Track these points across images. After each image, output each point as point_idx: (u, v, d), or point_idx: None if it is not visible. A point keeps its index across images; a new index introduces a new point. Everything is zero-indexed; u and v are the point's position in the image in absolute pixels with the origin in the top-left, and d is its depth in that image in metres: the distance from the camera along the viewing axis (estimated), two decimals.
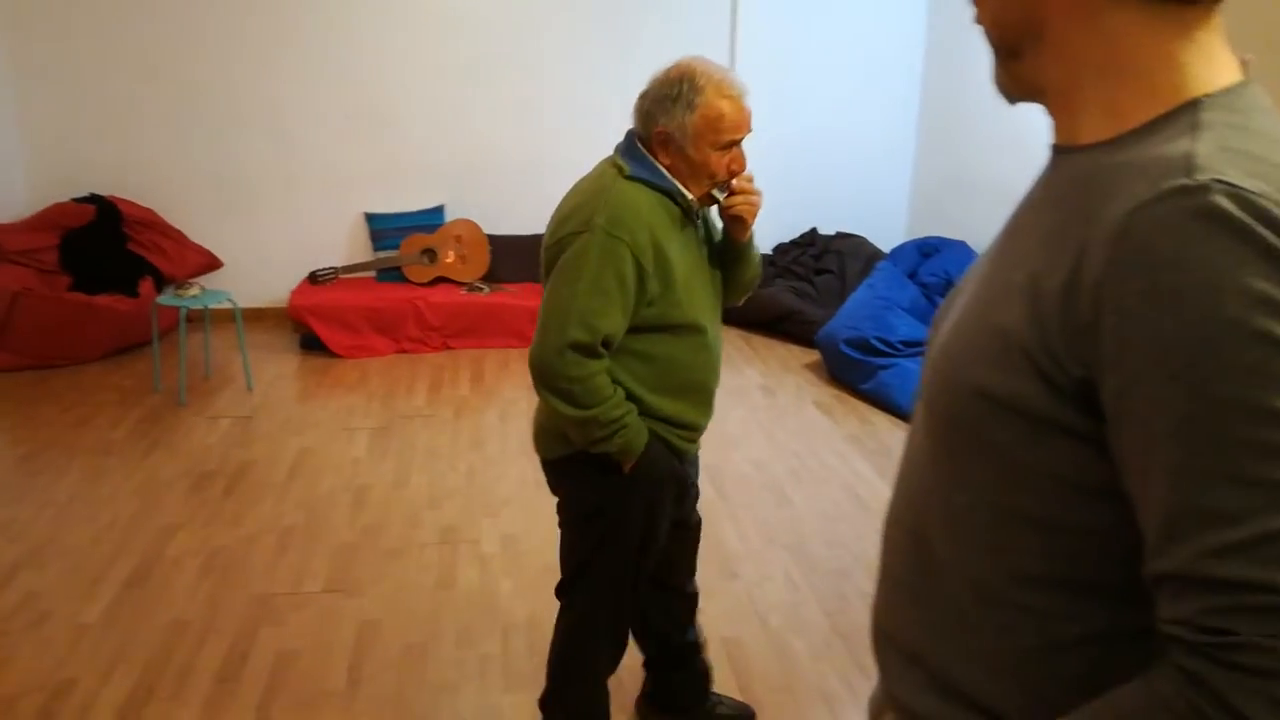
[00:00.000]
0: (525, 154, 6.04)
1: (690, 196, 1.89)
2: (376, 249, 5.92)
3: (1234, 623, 0.63)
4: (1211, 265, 0.63)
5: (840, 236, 6.24)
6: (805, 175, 6.32)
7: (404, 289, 5.63)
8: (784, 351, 5.50)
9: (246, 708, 2.44)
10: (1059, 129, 0.82)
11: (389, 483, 3.73)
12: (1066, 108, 0.80)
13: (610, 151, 1.98)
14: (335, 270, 5.75)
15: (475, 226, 5.82)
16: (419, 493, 3.65)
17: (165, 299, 4.68)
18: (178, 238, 5.78)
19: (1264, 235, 0.63)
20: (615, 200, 1.81)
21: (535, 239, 5.99)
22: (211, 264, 5.83)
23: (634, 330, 1.85)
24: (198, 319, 5.48)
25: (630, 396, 1.87)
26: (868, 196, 6.46)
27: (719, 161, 1.85)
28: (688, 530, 2.26)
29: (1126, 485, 0.70)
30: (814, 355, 5.30)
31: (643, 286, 1.80)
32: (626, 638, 2.22)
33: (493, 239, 5.87)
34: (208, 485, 3.70)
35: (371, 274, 5.85)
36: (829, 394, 4.79)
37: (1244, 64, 0.77)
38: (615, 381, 1.85)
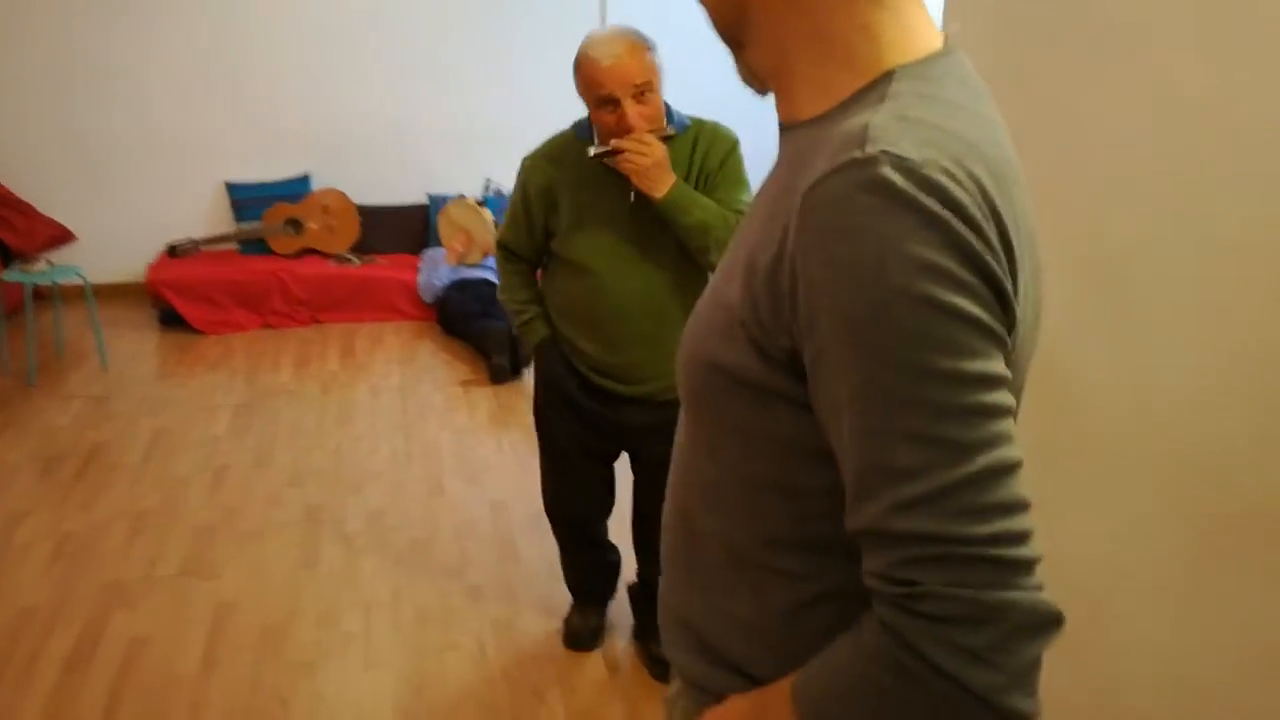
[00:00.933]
0: (394, 121, 5.92)
1: (591, 150, 2.07)
2: (239, 220, 5.74)
3: (917, 573, 0.67)
4: (878, 235, 0.66)
5: None
6: None
7: (268, 261, 5.49)
8: None
9: (96, 695, 2.40)
10: (782, 109, 0.84)
11: (250, 462, 3.67)
12: (785, 89, 0.83)
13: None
14: (195, 242, 5.56)
15: (343, 196, 5.71)
16: (281, 471, 3.60)
17: (10, 275, 4.46)
18: (26, 210, 5.48)
19: (926, 204, 0.66)
20: (545, 142, 2.22)
21: (407, 209, 5.91)
22: (64, 237, 5.57)
23: (549, 255, 2.26)
24: (48, 295, 5.23)
25: (546, 308, 2.29)
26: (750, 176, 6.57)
27: (604, 119, 2.02)
28: (639, 467, 2.43)
29: (831, 446, 0.74)
30: None
31: (529, 211, 2.18)
32: (558, 506, 2.53)
33: (362, 209, 5.76)
34: (58, 468, 3.57)
35: (234, 246, 5.68)
36: None
37: (948, 35, 0.81)
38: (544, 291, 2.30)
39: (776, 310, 0.73)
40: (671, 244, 2.12)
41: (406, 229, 5.88)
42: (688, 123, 2.16)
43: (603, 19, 6.06)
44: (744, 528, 0.85)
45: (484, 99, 6.01)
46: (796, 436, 0.78)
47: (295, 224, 5.61)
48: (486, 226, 5.26)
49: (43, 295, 5.34)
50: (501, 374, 4.54)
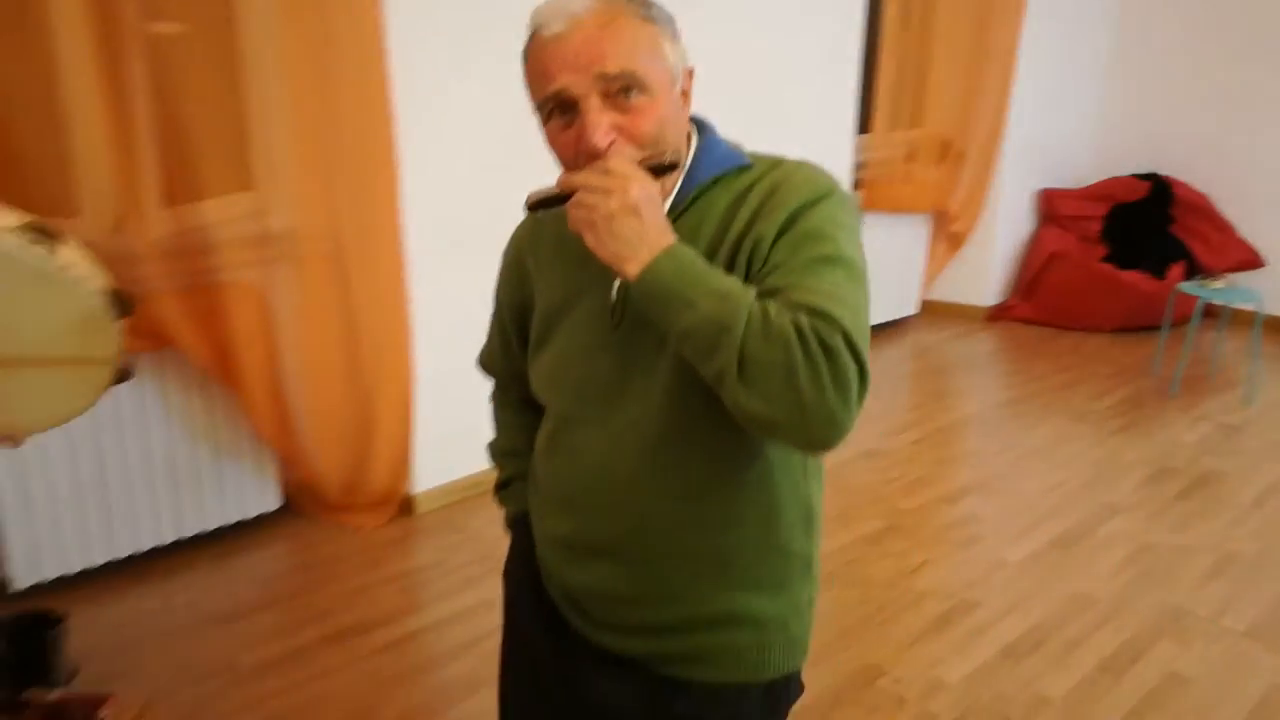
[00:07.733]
0: None
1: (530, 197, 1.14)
2: None
3: None
4: None
5: None
6: None
7: None
8: None
9: (1114, 707, 2.35)
10: None
11: None
12: None
13: None
14: None
15: None
16: None
17: (1188, 286, 4.53)
18: (1224, 228, 5.50)
19: None
20: None
21: None
22: (1252, 262, 5.42)
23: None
24: (1215, 314, 5.19)
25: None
26: None
27: (561, 142, 1.04)
28: None
29: None
30: None
31: (501, 314, 1.32)
32: None
33: None
34: (1164, 480, 3.56)
35: None
36: None
37: None
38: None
39: None
40: (679, 364, 1.05)
41: None
42: (745, 161, 1.09)
43: None
44: None
45: None
46: None
47: None
48: None
49: (1211, 313, 5.32)
50: None
